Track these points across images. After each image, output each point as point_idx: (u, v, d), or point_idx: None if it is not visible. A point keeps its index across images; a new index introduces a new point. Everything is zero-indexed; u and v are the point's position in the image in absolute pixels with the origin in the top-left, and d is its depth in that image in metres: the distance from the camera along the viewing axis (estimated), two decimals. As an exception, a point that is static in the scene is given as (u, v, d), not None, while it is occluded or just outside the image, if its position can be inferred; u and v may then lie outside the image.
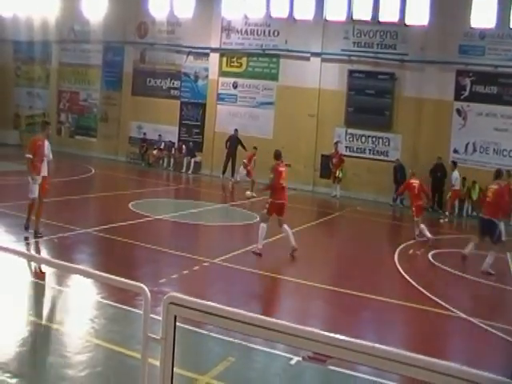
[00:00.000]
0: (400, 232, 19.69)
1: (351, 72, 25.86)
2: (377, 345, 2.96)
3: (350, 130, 25.97)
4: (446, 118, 24.43)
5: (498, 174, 13.86)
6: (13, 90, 35.92)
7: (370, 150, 25.62)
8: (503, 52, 23.75)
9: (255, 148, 23.20)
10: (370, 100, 25.38)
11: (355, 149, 25.91)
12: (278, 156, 13.39)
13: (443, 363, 2.83)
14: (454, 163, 22.88)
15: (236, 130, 26.65)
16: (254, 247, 12.74)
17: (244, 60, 28.26)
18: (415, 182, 16.74)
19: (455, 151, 24.32)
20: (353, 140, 25.97)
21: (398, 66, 25.15)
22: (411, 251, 14.80)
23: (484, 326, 9.20)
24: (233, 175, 25.48)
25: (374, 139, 25.57)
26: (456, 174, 22.51)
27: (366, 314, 9.72)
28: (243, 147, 25.08)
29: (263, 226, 12.70)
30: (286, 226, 13.01)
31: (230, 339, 7.06)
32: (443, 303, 10.15)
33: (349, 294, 10.43)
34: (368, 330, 8.98)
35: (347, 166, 25.60)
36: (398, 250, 14.53)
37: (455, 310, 9.84)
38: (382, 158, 25.27)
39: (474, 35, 24.02)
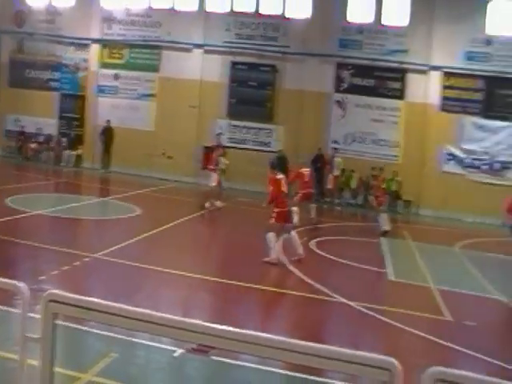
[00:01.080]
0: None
1: (233, 64, 26.05)
2: (259, 333, 3.00)
3: (232, 122, 26.16)
4: (326, 110, 25.28)
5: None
6: None
7: (252, 141, 25.97)
8: (379, 46, 24.92)
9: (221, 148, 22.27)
10: (252, 92, 25.71)
11: (237, 140, 26.15)
12: (272, 166, 13.37)
13: (324, 347, 2.90)
14: (336, 149, 23.88)
15: (108, 121, 26.12)
16: (268, 259, 12.32)
17: (125, 51, 27.61)
18: (306, 170, 17.21)
19: (335, 142, 25.23)
20: (235, 131, 26.19)
21: (279, 58, 25.66)
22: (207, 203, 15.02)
23: (362, 309, 9.65)
24: (107, 167, 25.03)
25: (256, 130, 25.94)
26: (338, 160, 23.48)
27: (250, 304, 9.87)
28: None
29: (270, 235, 12.39)
30: (293, 233, 12.89)
31: (113, 335, 6.91)
32: (325, 289, 10.53)
33: (232, 284, 10.52)
34: (252, 319, 9.11)
35: (230, 157, 25.76)
36: (281, 239, 14.83)
37: (336, 296, 10.23)
38: (264, 148, 25.67)
39: (352, 30, 25.00)
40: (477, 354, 8.15)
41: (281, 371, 6.59)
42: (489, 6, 23.82)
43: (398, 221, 20.64)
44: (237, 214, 19.81)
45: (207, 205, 18.48)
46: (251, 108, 25.67)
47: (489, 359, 7.96)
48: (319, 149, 24.52)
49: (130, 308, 3.47)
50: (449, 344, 8.41)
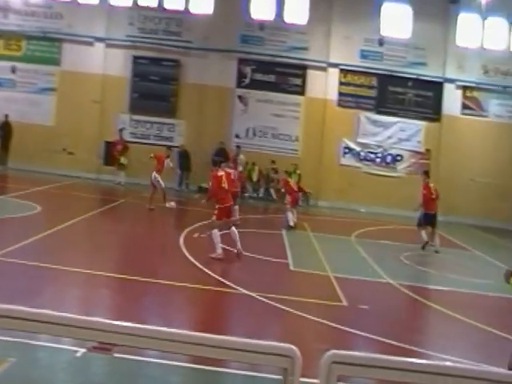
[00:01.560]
0: (186, 216, 20.15)
1: (136, 58, 25.68)
2: (160, 328, 3.03)
3: (134, 117, 25.81)
4: (229, 104, 25.51)
5: None
6: None
7: (154, 136, 25.74)
8: (280, 43, 25.40)
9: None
10: (154, 86, 25.48)
11: (140, 135, 25.84)
12: (214, 163, 13.80)
13: (224, 338, 2.96)
14: (239, 147, 24.10)
15: (6, 116, 25.10)
16: (214, 255, 12.58)
17: (23, 43, 26.37)
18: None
19: (237, 136, 25.50)
20: (137, 126, 25.84)
21: (182, 53, 25.58)
22: (196, 234, 15.23)
23: (264, 299, 9.91)
24: (5, 164, 23.93)
25: (159, 125, 25.73)
26: (241, 157, 23.72)
27: (153, 299, 9.84)
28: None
29: (215, 232, 12.64)
30: (234, 229, 13.15)
31: (10, 339, 6.66)
32: (227, 282, 10.71)
33: (135, 280, 10.47)
34: (154, 314, 9.11)
35: (132, 152, 25.42)
36: (183, 234, 14.88)
37: (238, 287, 10.43)
38: (167, 143, 25.41)
39: (254, 26, 25.31)
40: (370, 335, 8.69)
41: (184, 364, 6.66)
42: (382, 8, 24.96)
43: (297, 213, 21.13)
44: (141, 210, 19.54)
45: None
46: (154, 103, 25.44)
47: (381, 339, 8.51)
48: (221, 142, 24.69)
49: (28, 310, 3.41)
50: (345, 328, 8.91)
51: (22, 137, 24.94)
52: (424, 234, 16.59)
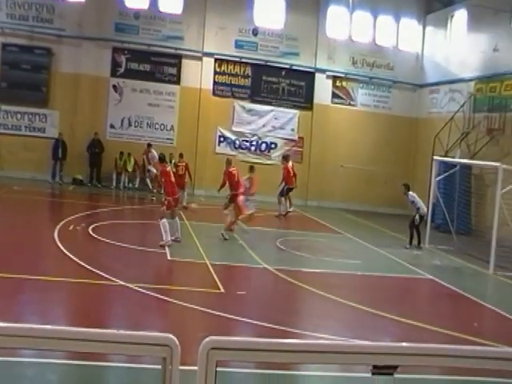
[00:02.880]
0: (60, 209, 19.55)
1: (5, 45, 24.40)
2: (33, 325, 2.99)
3: (4, 107, 24.50)
4: (103, 94, 24.94)
5: None
6: None
7: (26, 126, 24.63)
8: (155, 32, 25.14)
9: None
10: (25, 75, 24.38)
11: (10, 126, 24.58)
12: (161, 159, 14.50)
13: (100, 331, 2.95)
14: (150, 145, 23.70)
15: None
16: (163, 242, 13.22)
17: None
18: (234, 170, 16.43)
19: (112, 126, 25.01)
20: (7, 117, 24.55)
21: (54, 41, 24.63)
22: (71, 227, 14.88)
23: (141, 289, 9.92)
24: None
25: (30, 116, 24.65)
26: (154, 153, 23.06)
27: (28, 296, 9.49)
28: None
29: (164, 221, 13.49)
30: (177, 218, 14.39)
31: None
32: (103, 274, 10.57)
33: (6, 277, 9.98)
34: (30, 311, 8.80)
35: (2, 144, 24.16)
36: (58, 227, 14.46)
37: (115, 279, 10.34)
38: (39, 134, 24.57)
39: (129, 14, 24.85)
40: (248, 320, 9.01)
41: (61, 361, 6.52)
42: (256, -1, 25.48)
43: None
44: (14, 204, 18.64)
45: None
46: (25, 92, 24.32)
47: (259, 323, 8.86)
48: (96, 133, 24.12)
49: None
50: (224, 314, 9.10)
51: None
52: (284, 203, 18.92)
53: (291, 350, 2.75)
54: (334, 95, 26.86)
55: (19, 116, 24.66)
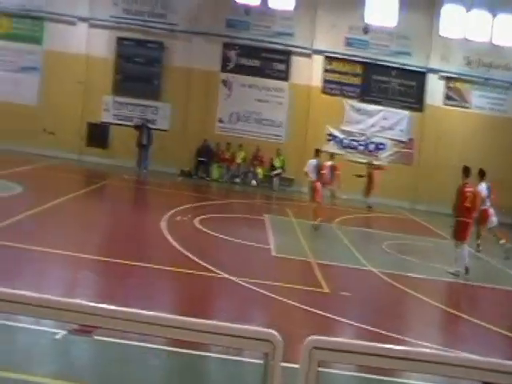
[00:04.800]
0: (167, 199, 20.07)
1: (120, 39, 25.42)
2: (140, 310, 3.01)
3: (117, 98, 25.57)
4: (213, 89, 25.40)
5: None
6: None
7: (138, 118, 25.48)
8: (265, 28, 25.27)
9: None
10: (139, 68, 25.32)
11: (123, 117, 25.63)
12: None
13: (205, 322, 2.94)
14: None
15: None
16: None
17: (4, 21, 25.86)
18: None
19: (220, 120, 25.43)
20: (121, 108, 25.62)
21: (167, 35, 25.33)
22: (178, 217, 15.21)
23: (246, 283, 9.93)
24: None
25: (142, 108, 25.53)
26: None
27: (135, 282, 9.81)
28: None
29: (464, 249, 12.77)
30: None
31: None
32: (209, 266, 10.69)
33: (117, 263, 10.43)
34: (136, 297, 9.05)
35: (115, 134, 25.30)
36: (165, 217, 14.83)
37: (220, 272, 10.43)
38: (150, 126, 25.32)
39: (240, 10, 25.14)
40: (351, 322, 8.79)
41: (165, 347, 6.65)
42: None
43: (278, 198, 21.22)
44: (123, 192, 19.48)
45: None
46: (138, 85, 25.29)
47: (362, 325, 8.61)
48: (205, 140, 24.70)
49: (8, 290, 3.37)
50: (326, 314, 8.93)
51: (3, 116, 24.57)
52: None
53: (395, 357, 2.60)
54: (447, 97, 25.85)
55: (131, 107, 25.66)
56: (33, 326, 6.74)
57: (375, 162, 23.22)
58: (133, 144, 24.60)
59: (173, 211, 15.86)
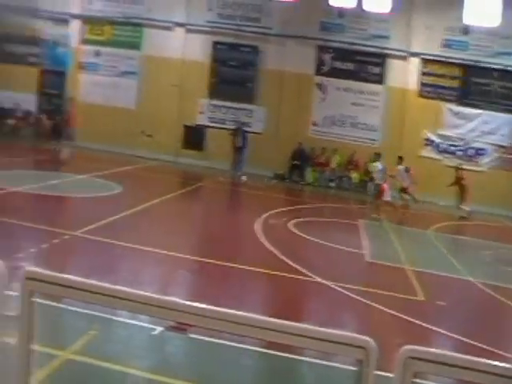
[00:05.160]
0: (261, 202, 20.23)
1: (215, 43, 25.93)
2: (236, 311, 3.05)
3: (213, 101, 26.09)
4: (307, 92, 25.35)
5: None
6: None
7: (232, 121, 25.87)
8: (360, 31, 24.96)
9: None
10: (233, 72, 25.72)
11: (218, 120, 26.11)
12: None
13: (299, 325, 2.93)
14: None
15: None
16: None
17: (107, 28, 27.23)
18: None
19: (314, 124, 25.34)
20: (215, 111, 26.13)
21: (261, 39, 25.57)
22: (272, 220, 15.29)
23: (339, 288, 9.83)
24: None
25: (236, 111, 25.89)
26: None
27: (228, 283, 9.95)
28: None
29: None
30: None
31: (92, 312, 6.94)
32: (302, 269, 10.68)
33: (212, 263, 10.61)
34: (230, 297, 9.17)
35: (210, 136, 25.85)
36: (259, 220, 14.95)
37: (313, 275, 10.38)
38: (244, 129, 25.59)
39: (334, 13, 24.97)
40: (447, 333, 8.44)
41: (257, 349, 6.69)
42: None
43: (373, 203, 20.83)
44: (218, 194, 19.84)
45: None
46: (233, 88, 25.70)
47: (458, 337, 8.25)
48: (299, 143, 24.65)
49: (108, 286, 3.50)
50: (421, 323, 8.66)
51: (104, 119, 25.72)
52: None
53: (497, 374, 2.49)
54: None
55: (226, 110, 26.10)
56: (132, 321, 6.99)
57: (463, 166, 22.45)
58: (228, 146, 25.02)
59: (267, 214, 15.96)
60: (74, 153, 22.67)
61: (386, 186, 17.87)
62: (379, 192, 17.94)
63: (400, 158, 18.97)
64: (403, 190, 18.53)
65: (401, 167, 18.78)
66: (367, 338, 2.62)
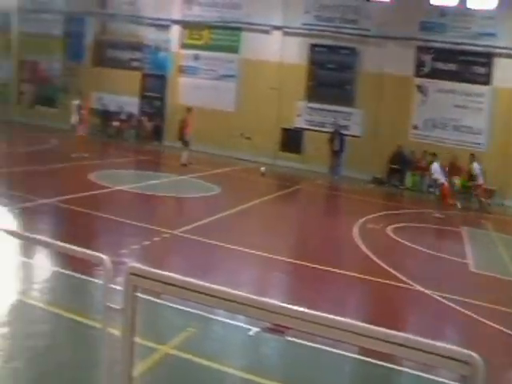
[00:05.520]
0: (359, 205, 19.93)
1: (313, 46, 25.87)
2: (334, 316, 3.01)
3: (310, 104, 26.04)
4: (406, 94, 24.70)
5: None
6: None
7: (330, 124, 25.69)
8: (464, 29, 24.03)
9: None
10: (331, 74, 25.54)
11: (316, 123, 26.03)
12: None
13: (402, 335, 2.86)
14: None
15: None
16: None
17: (205, 32, 27.93)
18: None
19: (415, 127, 24.67)
20: (313, 114, 26.07)
21: (359, 40, 25.23)
22: (370, 225, 15.02)
23: (441, 298, 9.46)
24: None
25: (334, 113, 25.68)
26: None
27: (326, 287, 9.84)
28: None
29: None
30: None
31: (190, 310, 7.09)
32: (402, 276, 10.38)
33: (309, 266, 10.54)
34: (327, 302, 9.07)
35: (308, 139, 25.79)
36: (357, 224, 14.74)
37: (413, 283, 10.06)
38: (342, 132, 25.37)
39: (435, 12, 24.22)
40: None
41: (354, 355, 6.57)
42: None
43: (477, 210, 20.03)
44: (315, 197, 19.75)
45: None
46: (330, 91, 25.54)
47: None
48: (399, 146, 24.08)
49: (208, 285, 3.54)
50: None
51: (204, 121, 26.29)
52: None
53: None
54: None
55: (324, 113, 25.96)
56: (229, 321, 7.06)
57: None
58: (325, 149, 24.88)
59: (365, 218, 15.67)
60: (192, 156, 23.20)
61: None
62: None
63: (472, 155, 19.59)
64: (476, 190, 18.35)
65: (476, 165, 18.65)
66: (473, 354, 2.50)
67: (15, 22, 32.88)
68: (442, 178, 18.16)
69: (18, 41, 33.11)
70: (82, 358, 5.85)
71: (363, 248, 12.32)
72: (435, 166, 18.44)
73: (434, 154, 19.90)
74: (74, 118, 22.52)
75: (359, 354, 6.49)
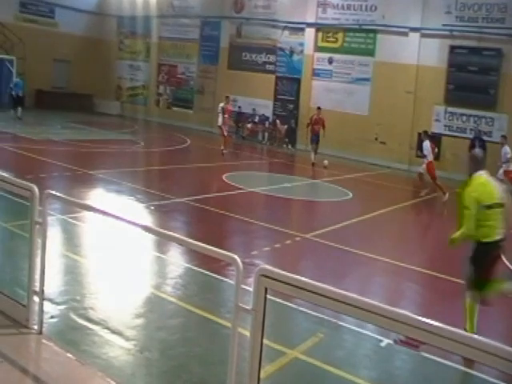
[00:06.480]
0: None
1: (453, 48, 24.83)
2: (473, 335, 2.80)
3: (449, 109, 25.02)
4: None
5: None
6: (115, 63, 37.35)
7: (471, 129, 24.53)
8: None
9: None
10: (472, 77, 24.32)
11: (455, 128, 24.96)
12: None
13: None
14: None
15: None
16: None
17: (340, 35, 27.84)
18: None
19: None
20: (452, 119, 25.01)
21: (505, 41, 23.83)
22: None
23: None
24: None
25: (476, 119, 24.47)
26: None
27: (461, 301, 9.29)
28: None
29: None
30: None
31: (320, 315, 7.00)
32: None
33: (446, 279, 10.00)
34: (462, 318, 8.57)
35: (445, 145, 24.75)
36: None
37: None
38: (484, 138, 24.13)
39: None
40: None
41: (495, 381, 6.04)
42: None
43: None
44: (453, 206, 18.79)
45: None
46: (471, 95, 24.32)
47: None
48: None
49: (339, 291, 3.47)
50: None
51: (337, 125, 26.14)
52: None
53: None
54: None
55: (464, 118, 24.81)
56: (359, 329, 6.88)
57: None
58: (465, 156, 23.70)
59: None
60: (309, 158, 23.30)
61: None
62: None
63: (504, 136, 19.72)
64: None
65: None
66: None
67: (155, 27, 34.82)
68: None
69: (157, 45, 35.01)
70: (211, 354, 5.95)
71: (507, 262, 11.53)
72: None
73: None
74: (220, 120, 23.32)
75: (505, 381, 5.97)
